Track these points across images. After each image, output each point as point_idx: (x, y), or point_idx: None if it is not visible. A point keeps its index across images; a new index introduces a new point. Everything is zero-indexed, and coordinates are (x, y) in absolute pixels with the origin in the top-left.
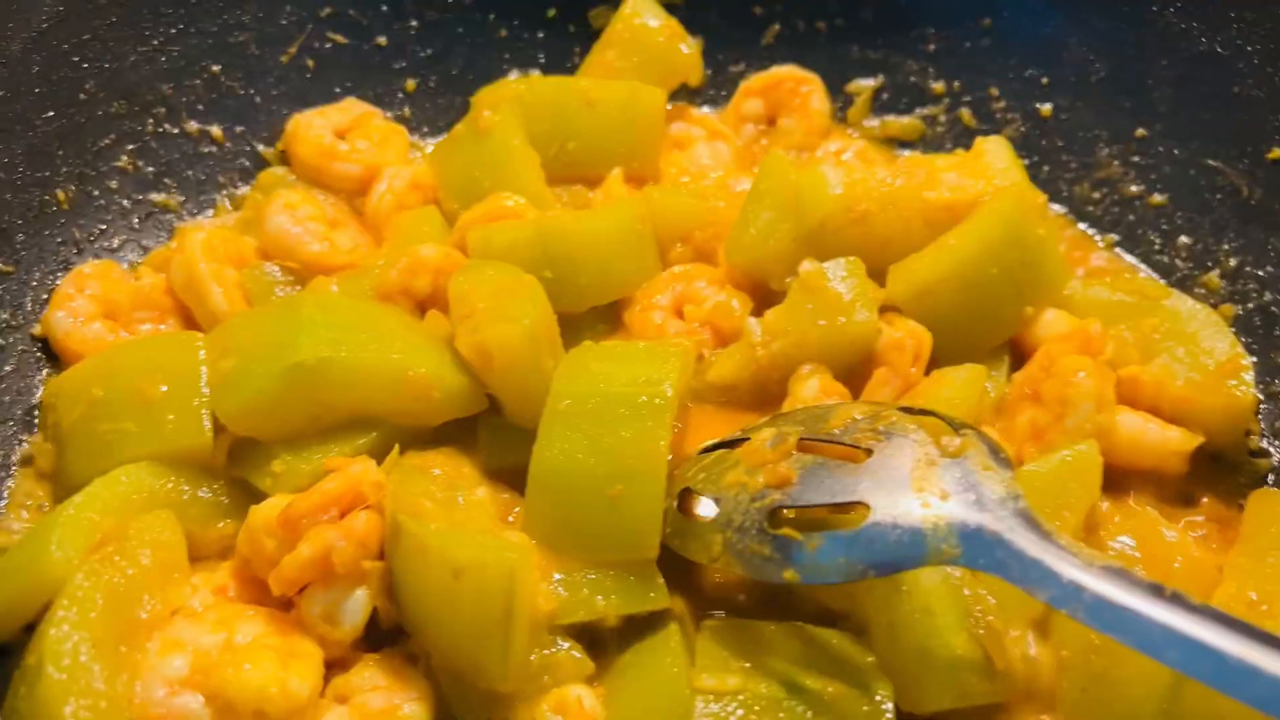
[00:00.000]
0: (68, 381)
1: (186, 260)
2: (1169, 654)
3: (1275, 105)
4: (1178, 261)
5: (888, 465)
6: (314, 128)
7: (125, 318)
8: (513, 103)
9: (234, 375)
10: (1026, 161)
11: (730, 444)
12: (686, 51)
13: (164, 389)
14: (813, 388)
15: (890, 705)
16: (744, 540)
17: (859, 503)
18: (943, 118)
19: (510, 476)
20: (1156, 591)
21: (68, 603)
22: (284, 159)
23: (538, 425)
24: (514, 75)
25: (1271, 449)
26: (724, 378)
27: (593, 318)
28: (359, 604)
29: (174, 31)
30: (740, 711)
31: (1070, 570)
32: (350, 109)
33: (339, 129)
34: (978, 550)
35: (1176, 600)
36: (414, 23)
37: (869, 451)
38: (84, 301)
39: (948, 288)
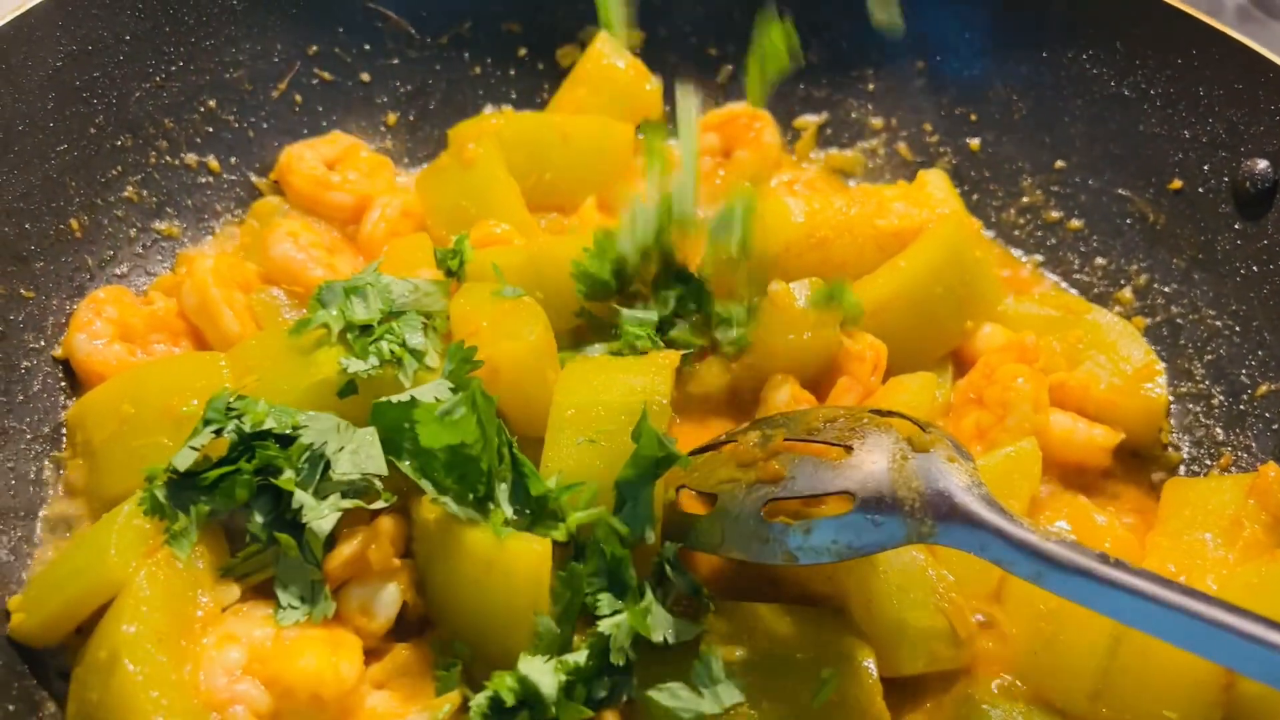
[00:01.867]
0: (96, 400)
1: (198, 285)
2: (1113, 608)
3: (1176, 141)
4: (1094, 280)
5: (867, 460)
6: (306, 160)
7: (141, 340)
8: (493, 136)
9: (258, 392)
10: (958, 191)
11: (715, 446)
12: (650, 89)
13: (194, 403)
14: (784, 395)
15: (874, 667)
16: (742, 529)
17: (845, 492)
18: (882, 151)
19: None
20: (1104, 559)
21: (133, 601)
22: (276, 188)
23: (543, 433)
24: (488, 109)
25: (1182, 444)
26: (702, 388)
27: (570, 337)
28: (392, 597)
29: (174, 69)
30: (743, 680)
31: (1032, 544)
32: (338, 141)
33: (328, 160)
34: (950, 530)
35: (1121, 565)
36: (395, 61)
37: (849, 449)
38: (102, 325)
39: (898, 304)
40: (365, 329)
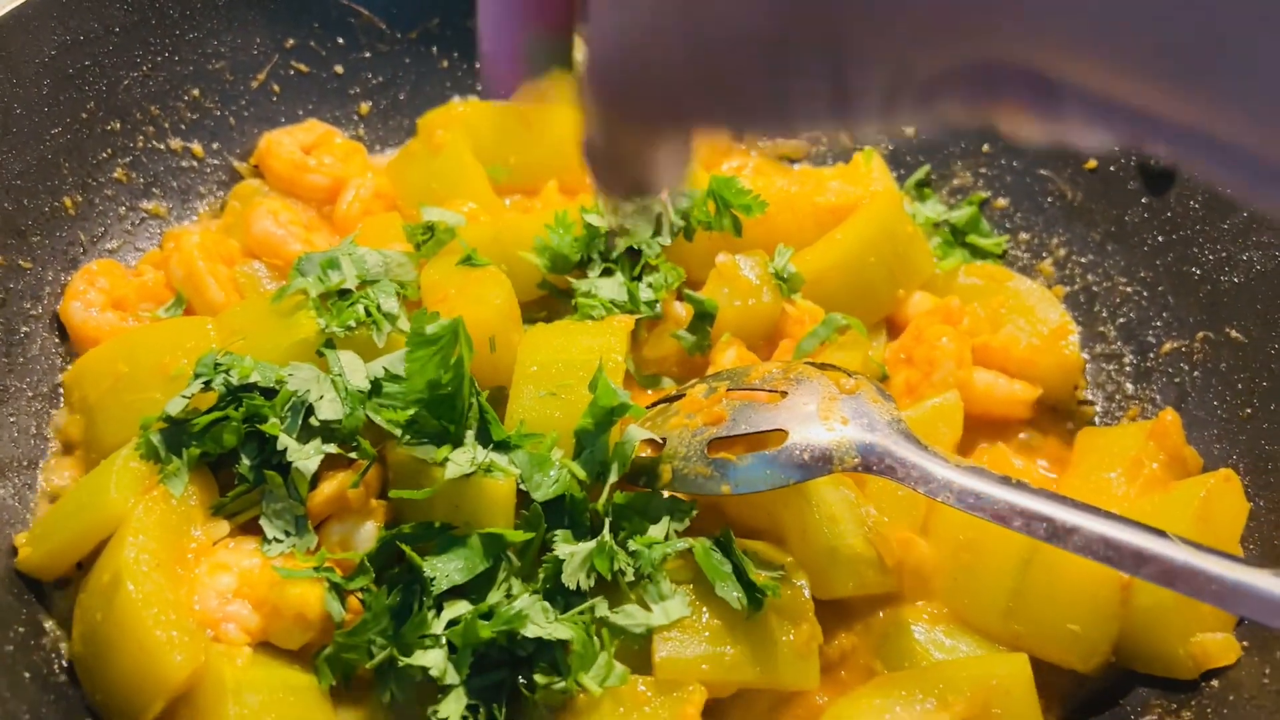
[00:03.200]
0: (93, 361)
1: (185, 258)
2: (1015, 522)
3: None
4: (1019, 253)
5: (799, 402)
6: (284, 145)
7: (132, 308)
8: (460, 123)
9: (243, 351)
10: (895, 174)
11: (668, 401)
12: None
13: (184, 363)
14: (730, 355)
15: (807, 587)
16: (688, 466)
17: (779, 430)
18: (824, 138)
19: None
20: (1005, 480)
21: (133, 530)
22: (256, 172)
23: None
24: (456, 99)
25: (1095, 400)
26: (656, 351)
27: (534, 307)
28: (370, 533)
29: (160, 59)
30: (689, 598)
31: (942, 470)
32: (314, 129)
33: (305, 146)
34: (872, 459)
35: (1021, 485)
36: (367, 54)
37: (784, 394)
38: (95, 294)
39: (836, 274)
40: (342, 293)
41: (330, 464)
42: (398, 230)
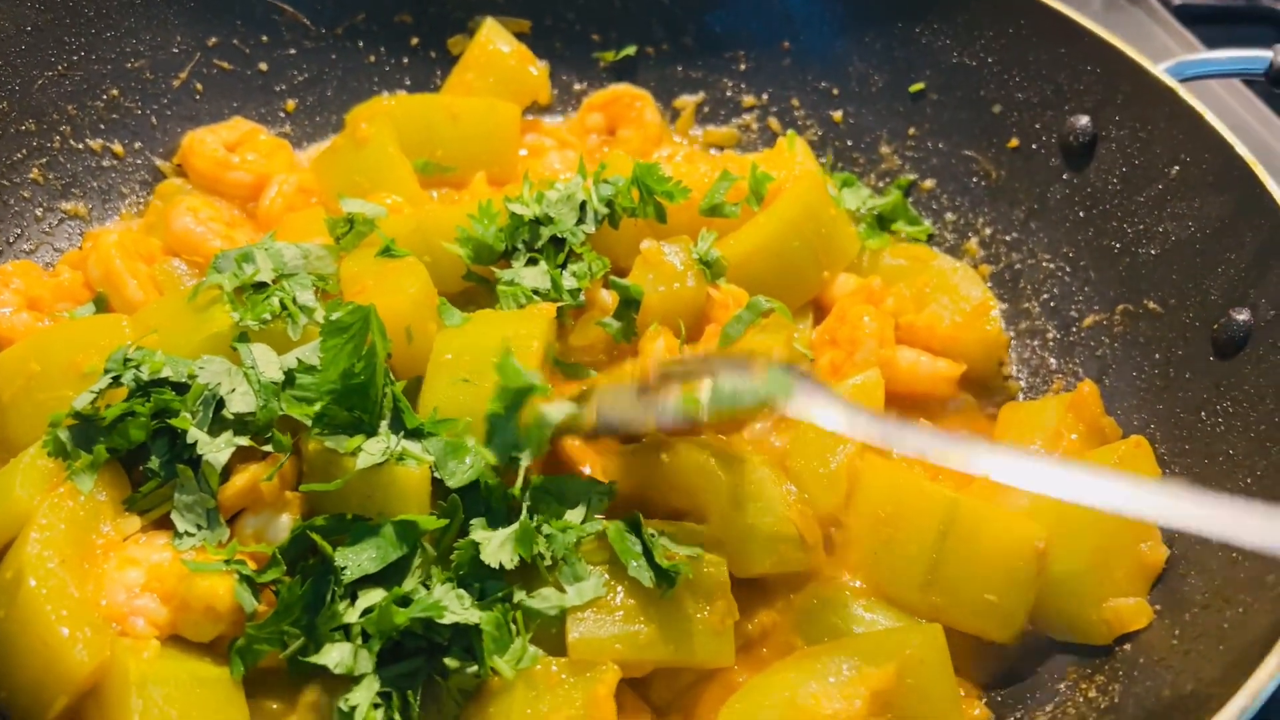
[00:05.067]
0: (5, 360)
1: (103, 257)
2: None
3: (1011, 103)
4: (946, 233)
5: (726, 365)
6: (207, 144)
7: (49, 309)
8: (385, 116)
9: (156, 346)
10: (822, 159)
11: None
12: (535, 73)
13: (97, 360)
14: (659, 346)
15: (725, 566)
16: (616, 401)
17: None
18: (755, 125)
19: None
20: (901, 420)
21: (38, 528)
22: (180, 171)
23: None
24: (384, 95)
25: (1020, 376)
26: (582, 339)
27: (461, 299)
28: (284, 526)
29: (76, 58)
30: (603, 578)
31: (857, 410)
32: (237, 127)
33: (229, 144)
34: (800, 393)
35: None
36: (292, 51)
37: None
38: (9, 295)
39: (760, 257)
40: (258, 287)
41: (243, 456)
42: (321, 225)
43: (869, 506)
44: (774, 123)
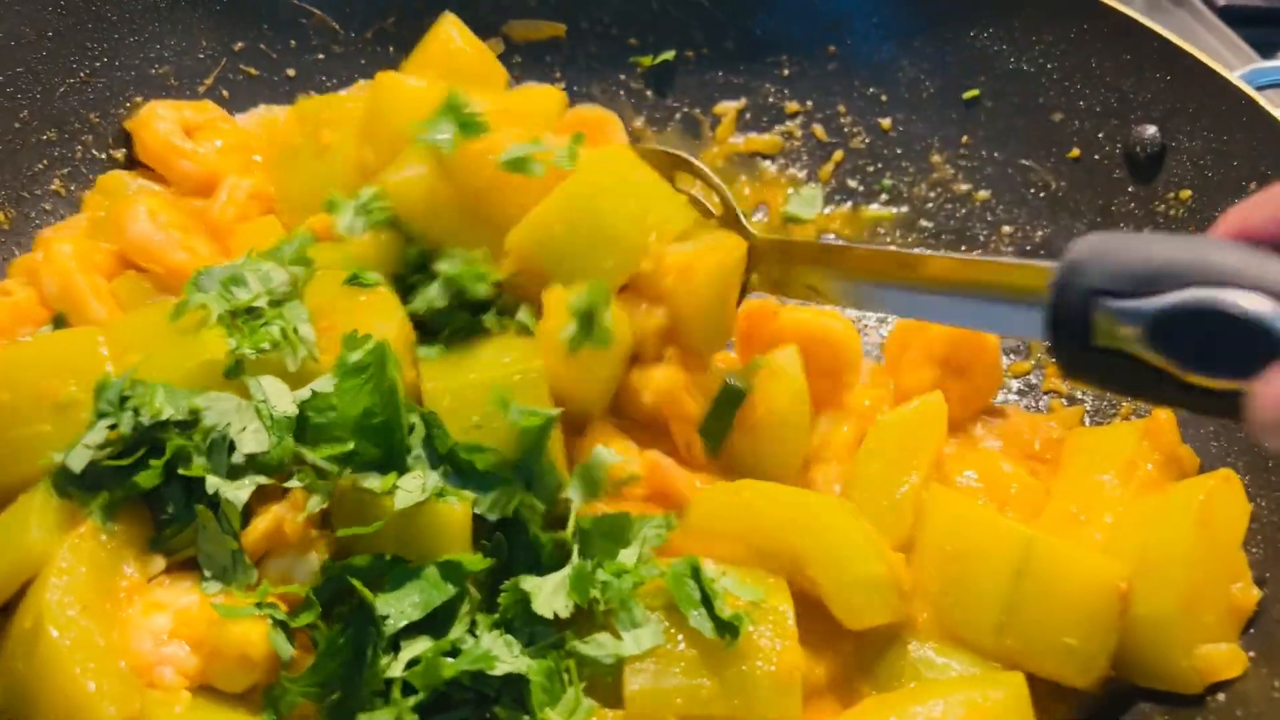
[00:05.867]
0: None
1: (59, 271)
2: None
3: (1072, 111)
4: (1002, 247)
5: None
6: (164, 119)
7: (10, 333)
8: (350, 122)
9: (142, 373)
10: (871, 169)
11: None
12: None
13: (73, 388)
14: None
15: (790, 613)
16: None
17: None
18: (798, 132)
19: None
20: None
21: (57, 572)
22: (129, 161)
23: None
24: (344, 91)
25: (1084, 397)
26: None
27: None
28: (312, 567)
29: (99, 65)
30: (663, 625)
31: None
32: (204, 109)
33: (190, 125)
34: None
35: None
36: (320, 55)
37: None
38: None
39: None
40: (250, 311)
41: (261, 495)
42: (276, 239)
43: (936, 542)
44: (819, 130)
